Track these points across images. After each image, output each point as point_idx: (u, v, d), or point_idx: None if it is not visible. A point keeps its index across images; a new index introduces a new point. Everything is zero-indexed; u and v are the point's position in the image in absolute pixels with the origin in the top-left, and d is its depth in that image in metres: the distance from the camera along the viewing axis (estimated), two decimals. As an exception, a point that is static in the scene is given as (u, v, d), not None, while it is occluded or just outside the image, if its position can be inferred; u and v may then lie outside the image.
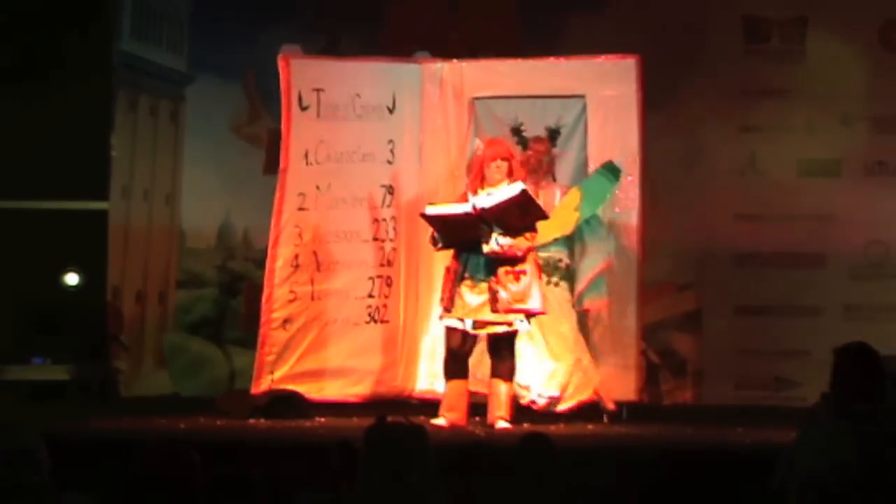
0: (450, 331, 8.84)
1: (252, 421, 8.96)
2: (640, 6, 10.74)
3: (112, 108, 10.88)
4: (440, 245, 8.86)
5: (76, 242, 10.77)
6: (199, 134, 11.08)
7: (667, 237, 10.31)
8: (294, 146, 9.41)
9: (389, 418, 4.86)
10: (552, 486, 5.67)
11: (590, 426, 9.04)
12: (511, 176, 8.78)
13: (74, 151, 10.60)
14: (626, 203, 9.49)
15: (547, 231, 9.11)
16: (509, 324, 8.73)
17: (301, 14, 10.89)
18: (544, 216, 8.84)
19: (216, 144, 11.03)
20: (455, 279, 8.78)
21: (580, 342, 9.39)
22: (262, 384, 9.31)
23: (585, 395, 9.32)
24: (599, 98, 9.57)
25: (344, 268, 9.55)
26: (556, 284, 9.38)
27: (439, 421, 8.70)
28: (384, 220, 9.65)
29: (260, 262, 9.90)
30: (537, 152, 9.44)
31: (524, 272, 8.71)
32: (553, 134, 9.57)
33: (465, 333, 8.79)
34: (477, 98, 9.78)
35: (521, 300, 8.69)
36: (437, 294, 9.00)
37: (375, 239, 9.64)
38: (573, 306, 9.44)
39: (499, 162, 8.82)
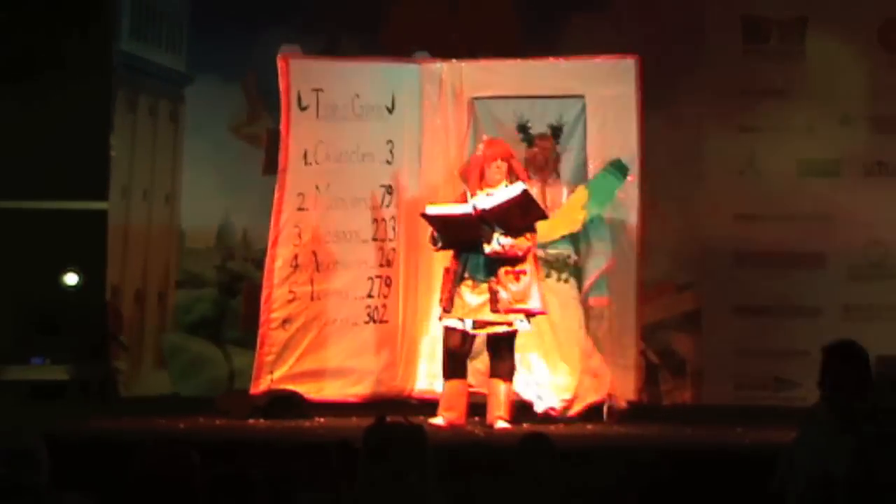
0: (448, 331, 8.84)
1: (252, 421, 8.95)
2: (639, 6, 10.75)
3: (111, 109, 10.87)
4: (440, 245, 8.86)
5: (76, 242, 10.76)
6: (199, 134, 11.08)
7: (666, 237, 10.33)
8: (293, 146, 9.41)
9: (389, 418, 4.86)
10: (552, 486, 5.67)
11: (589, 426, 9.04)
12: (511, 176, 8.79)
13: (74, 151, 10.59)
14: (625, 203, 9.49)
15: (555, 228, 9.13)
16: (509, 324, 8.74)
17: (301, 14, 10.88)
18: (544, 216, 8.85)
19: (215, 144, 11.02)
20: (455, 280, 8.78)
21: (589, 340, 9.39)
22: (262, 384, 9.31)
23: (597, 397, 9.30)
24: (599, 98, 9.57)
25: (343, 268, 9.55)
26: (566, 281, 9.37)
27: (437, 420, 8.69)
28: (383, 220, 9.65)
29: (259, 262, 9.90)
30: (544, 149, 9.43)
31: (524, 272, 8.72)
32: (556, 131, 9.56)
33: (464, 334, 8.79)
34: (476, 98, 9.77)
35: (522, 300, 8.70)
36: (437, 294, 8.99)
37: (375, 239, 9.64)
38: (580, 303, 9.43)
39: (499, 162, 8.82)
